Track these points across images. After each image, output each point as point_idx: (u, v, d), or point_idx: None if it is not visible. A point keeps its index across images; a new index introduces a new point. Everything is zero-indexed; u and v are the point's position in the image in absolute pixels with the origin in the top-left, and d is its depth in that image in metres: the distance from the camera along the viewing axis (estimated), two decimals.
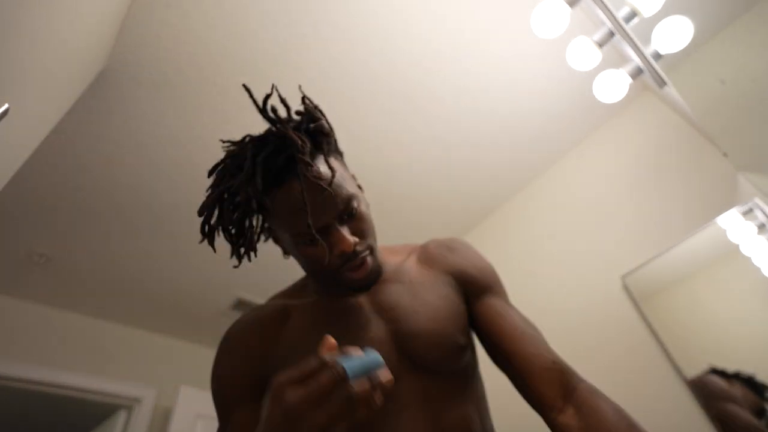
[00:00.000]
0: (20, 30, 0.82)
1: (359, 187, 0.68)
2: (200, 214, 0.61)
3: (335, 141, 0.66)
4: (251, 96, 0.61)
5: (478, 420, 0.62)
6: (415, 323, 0.63)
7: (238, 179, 0.58)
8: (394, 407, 0.56)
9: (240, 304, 2.43)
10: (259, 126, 0.62)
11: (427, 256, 0.75)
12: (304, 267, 0.66)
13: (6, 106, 0.78)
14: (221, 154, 0.64)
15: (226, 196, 0.60)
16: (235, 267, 0.65)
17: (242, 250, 0.63)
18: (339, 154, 0.68)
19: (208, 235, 0.62)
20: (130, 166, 1.69)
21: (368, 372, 0.39)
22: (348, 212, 0.60)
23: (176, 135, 1.61)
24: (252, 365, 0.63)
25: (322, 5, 1.34)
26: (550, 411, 0.59)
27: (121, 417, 2.31)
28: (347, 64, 1.49)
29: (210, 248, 0.63)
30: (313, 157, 0.60)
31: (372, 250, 0.63)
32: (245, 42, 1.40)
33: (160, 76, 1.45)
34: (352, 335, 0.61)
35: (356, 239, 0.60)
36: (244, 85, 0.62)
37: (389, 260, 0.72)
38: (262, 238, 0.67)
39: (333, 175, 0.58)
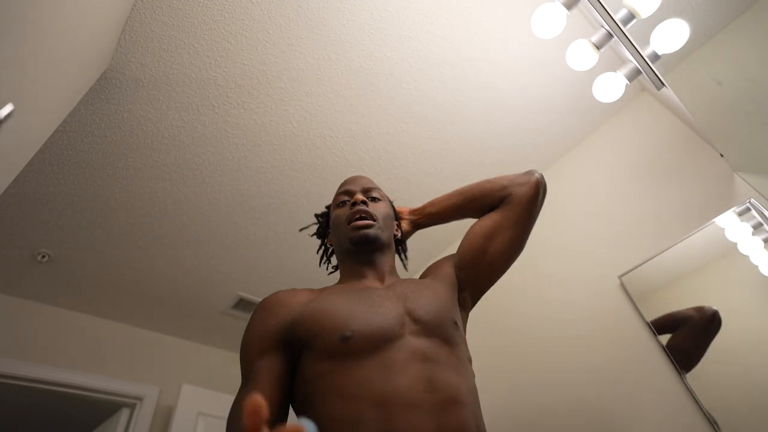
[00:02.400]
0: (24, 32, 0.83)
1: (395, 217, 1.03)
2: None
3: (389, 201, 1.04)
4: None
5: (469, 399, 0.69)
6: (421, 299, 0.80)
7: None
8: (398, 362, 0.67)
9: (241, 303, 2.45)
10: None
11: (428, 270, 0.99)
12: (334, 232, 0.96)
13: (11, 107, 0.80)
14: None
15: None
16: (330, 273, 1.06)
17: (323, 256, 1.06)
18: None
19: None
20: (131, 165, 1.70)
21: None
22: (370, 195, 0.97)
23: (177, 135, 1.62)
24: (279, 321, 0.75)
25: (317, 7, 1.36)
26: None
27: (123, 415, 2.33)
28: (343, 66, 1.50)
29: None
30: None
31: (378, 225, 0.90)
32: (246, 43, 1.41)
33: (161, 77, 1.46)
34: (371, 301, 0.77)
35: (368, 202, 0.92)
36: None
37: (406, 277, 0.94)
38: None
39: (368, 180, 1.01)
